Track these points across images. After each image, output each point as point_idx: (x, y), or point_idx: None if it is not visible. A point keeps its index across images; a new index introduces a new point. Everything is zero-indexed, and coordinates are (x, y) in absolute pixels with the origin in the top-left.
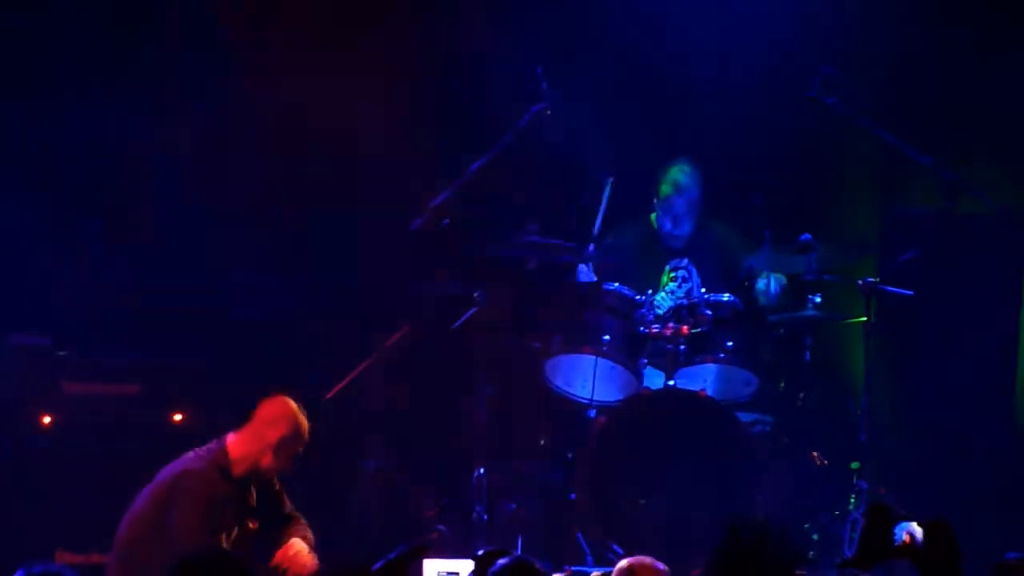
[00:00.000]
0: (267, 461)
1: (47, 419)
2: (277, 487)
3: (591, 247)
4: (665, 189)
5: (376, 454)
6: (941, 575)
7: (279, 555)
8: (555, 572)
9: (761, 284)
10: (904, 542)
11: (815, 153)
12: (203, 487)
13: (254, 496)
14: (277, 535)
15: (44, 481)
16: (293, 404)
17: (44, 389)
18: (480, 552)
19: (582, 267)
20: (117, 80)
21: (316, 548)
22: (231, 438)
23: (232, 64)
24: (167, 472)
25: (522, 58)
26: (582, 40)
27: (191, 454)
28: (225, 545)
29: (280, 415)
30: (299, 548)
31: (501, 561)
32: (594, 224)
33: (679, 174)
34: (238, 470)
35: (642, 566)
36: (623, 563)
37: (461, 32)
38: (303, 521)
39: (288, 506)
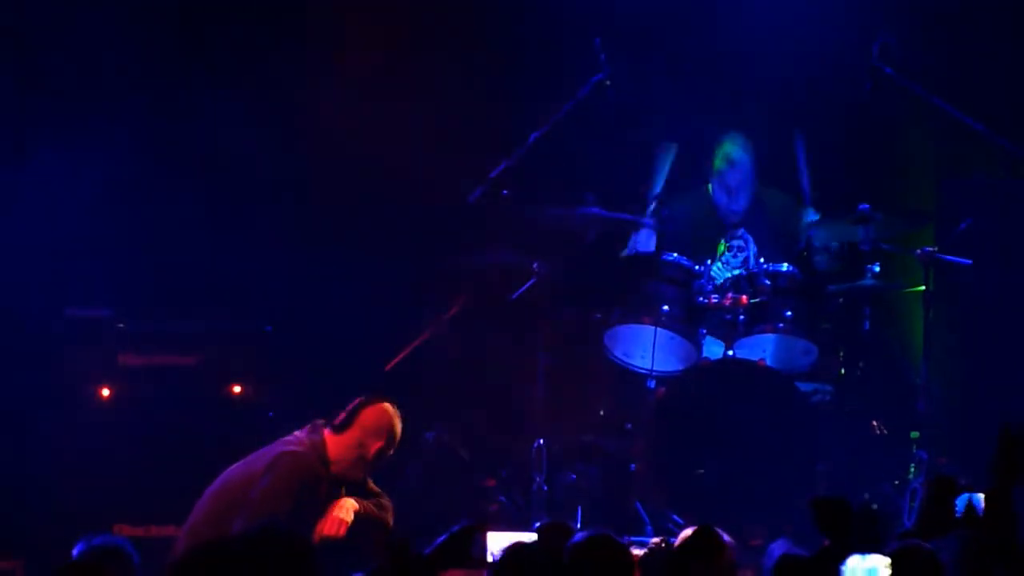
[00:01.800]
0: (360, 470)
1: (106, 391)
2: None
3: (649, 213)
4: (719, 163)
5: (437, 426)
6: (1000, 544)
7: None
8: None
9: (818, 243)
10: (965, 512)
11: (873, 122)
12: (302, 468)
13: (344, 491)
14: None
15: (102, 454)
16: (394, 413)
17: (103, 361)
18: (538, 524)
19: (642, 234)
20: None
21: (383, 518)
22: (329, 437)
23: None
24: (264, 452)
25: (581, 30)
26: (641, 13)
27: (291, 437)
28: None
29: (383, 426)
30: (341, 506)
31: (580, 535)
32: (653, 188)
33: (732, 147)
34: (334, 469)
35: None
36: (687, 532)
37: (524, 3)
38: (383, 497)
39: (372, 487)
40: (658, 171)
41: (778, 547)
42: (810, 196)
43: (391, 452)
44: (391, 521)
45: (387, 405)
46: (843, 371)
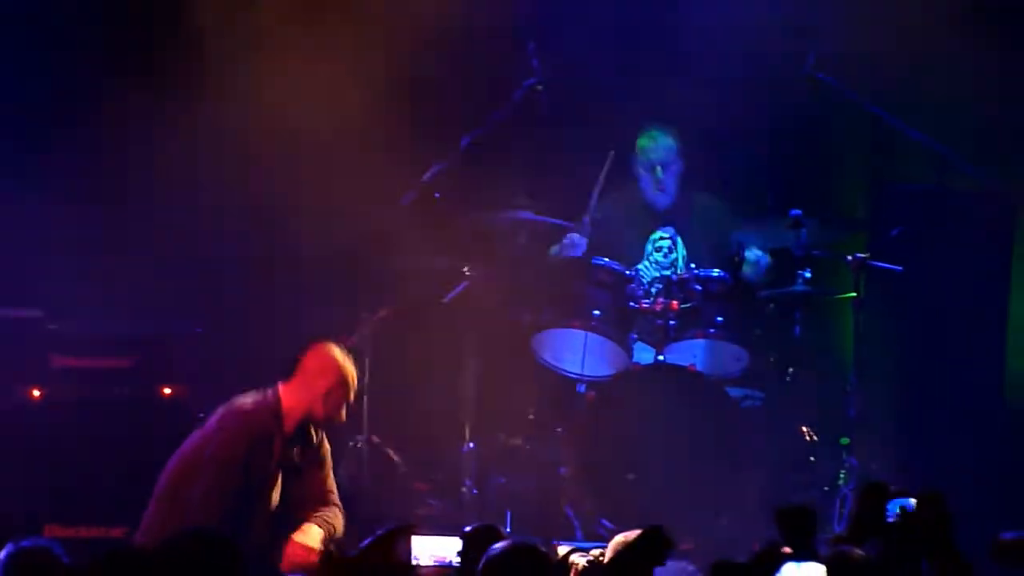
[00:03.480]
0: (318, 411)
1: (36, 393)
2: (326, 467)
3: (585, 220)
4: (643, 142)
5: (366, 429)
6: (935, 548)
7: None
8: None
9: (751, 256)
10: (897, 518)
11: (806, 128)
12: (251, 423)
13: (298, 455)
14: (306, 514)
15: (33, 455)
16: (338, 351)
17: (34, 363)
18: (467, 528)
19: (574, 238)
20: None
21: (337, 537)
22: (283, 389)
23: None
24: (218, 412)
25: (514, 33)
26: (574, 15)
27: (245, 396)
28: (270, 498)
29: (327, 365)
30: (302, 539)
31: (499, 545)
32: (589, 198)
33: (655, 131)
34: (290, 422)
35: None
36: (619, 538)
37: (452, 7)
38: (338, 509)
39: (330, 486)
40: (598, 181)
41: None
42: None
43: (348, 395)
44: (340, 528)
45: (329, 345)
46: (774, 377)
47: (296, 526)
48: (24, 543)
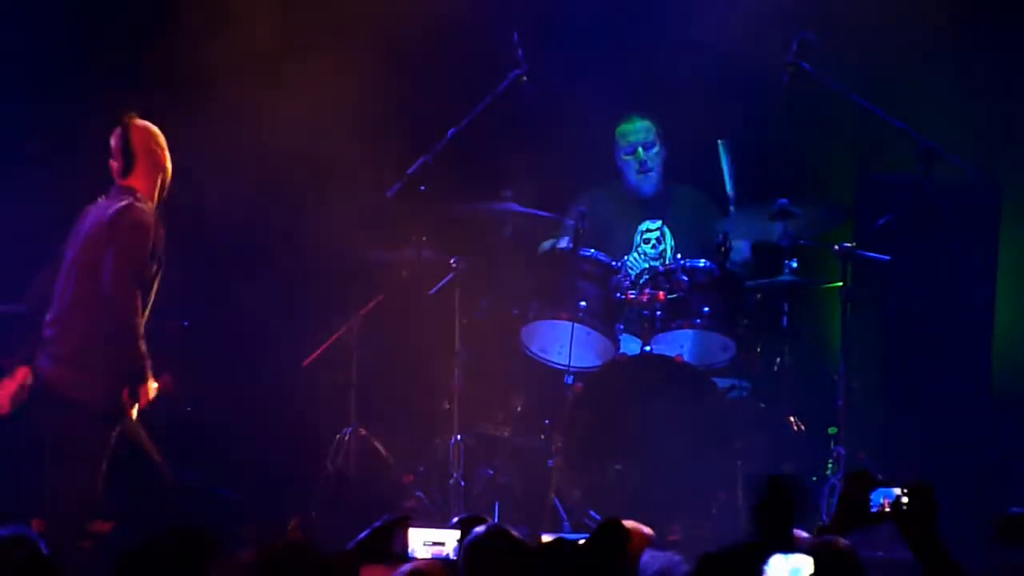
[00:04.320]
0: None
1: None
2: None
3: (568, 222)
4: (622, 128)
5: (353, 421)
6: (920, 537)
7: None
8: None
9: (734, 252)
10: (881, 507)
11: (791, 118)
12: (146, 217)
13: None
14: None
15: (20, 451)
16: (142, 124)
17: (19, 358)
18: (455, 519)
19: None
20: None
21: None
22: (125, 184)
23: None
24: (99, 217)
25: (500, 25)
26: (559, 6)
27: (111, 201)
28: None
29: (151, 134)
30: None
31: (477, 529)
32: (574, 194)
33: (629, 124)
34: (158, 204)
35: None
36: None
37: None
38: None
39: None
40: (567, 227)
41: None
42: (733, 200)
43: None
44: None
45: (133, 119)
46: (761, 367)
47: None
48: (1, 531)
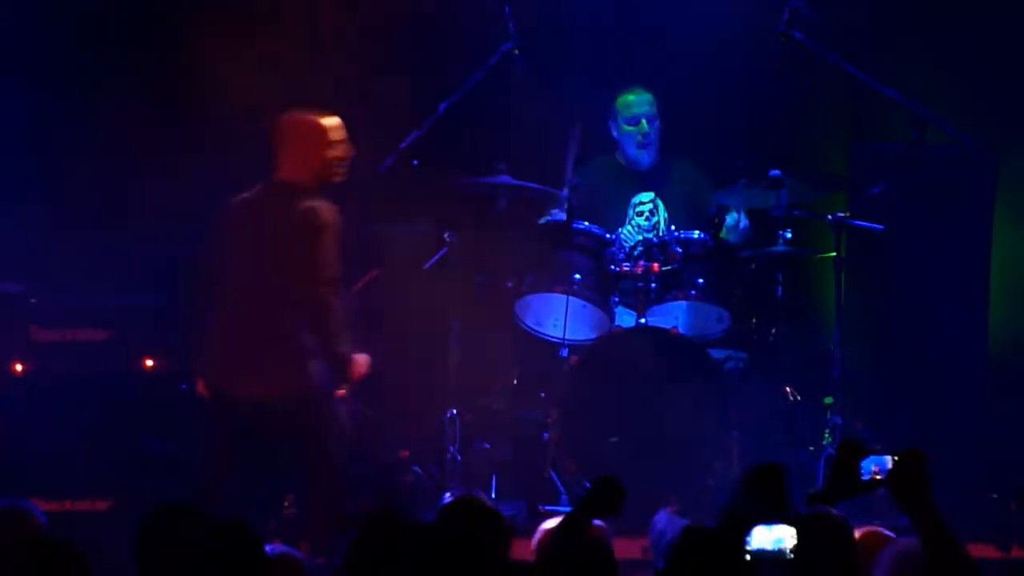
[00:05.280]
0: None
1: (19, 367)
2: None
3: (563, 192)
4: (623, 99)
5: (348, 396)
6: (912, 505)
7: None
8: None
9: (731, 221)
10: (872, 476)
11: (783, 88)
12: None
13: None
14: None
15: (16, 429)
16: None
17: (15, 337)
18: (451, 495)
19: (554, 212)
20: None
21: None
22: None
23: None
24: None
25: None
26: None
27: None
28: None
29: (293, 126)
30: None
31: (447, 496)
32: (564, 169)
33: (633, 95)
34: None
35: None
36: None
37: None
38: None
39: None
40: (568, 156)
41: (662, 519)
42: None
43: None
44: None
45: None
46: (756, 337)
47: None
48: (1, 503)
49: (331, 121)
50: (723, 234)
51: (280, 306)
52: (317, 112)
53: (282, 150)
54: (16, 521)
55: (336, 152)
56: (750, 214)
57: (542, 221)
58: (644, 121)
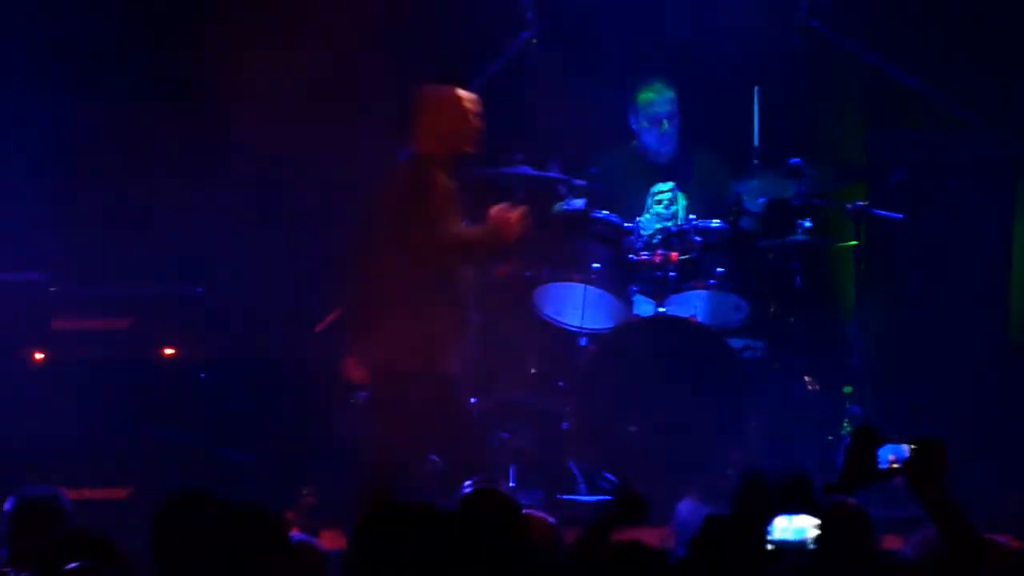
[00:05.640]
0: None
1: (39, 356)
2: None
3: (580, 182)
4: (645, 96)
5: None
6: (928, 493)
7: None
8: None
9: (749, 207)
10: (890, 464)
11: (803, 77)
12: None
13: None
14: None
15: (36, 418)
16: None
17: (35, 326)
18: (470, 483)
19: (572, 201)
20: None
21: None
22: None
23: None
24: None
25: None
26: None
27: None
28: None
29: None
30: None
31: (467, 485)
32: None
33: (655, 94)
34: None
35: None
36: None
37: None
38: None
39: None
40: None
41: (686, 507)
42: (759, 153)
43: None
44: None
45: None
46: (775, 327)
47: None
48: (29, 490)
49: (467, 93)
50: (744, 218)
51: (411, 278)
52: (453, 83)
53: (418, 121)
54: (51, 510)
55: (470, 123)
56: (768, 204)
57: (556, 208)
58: (665, 122)
